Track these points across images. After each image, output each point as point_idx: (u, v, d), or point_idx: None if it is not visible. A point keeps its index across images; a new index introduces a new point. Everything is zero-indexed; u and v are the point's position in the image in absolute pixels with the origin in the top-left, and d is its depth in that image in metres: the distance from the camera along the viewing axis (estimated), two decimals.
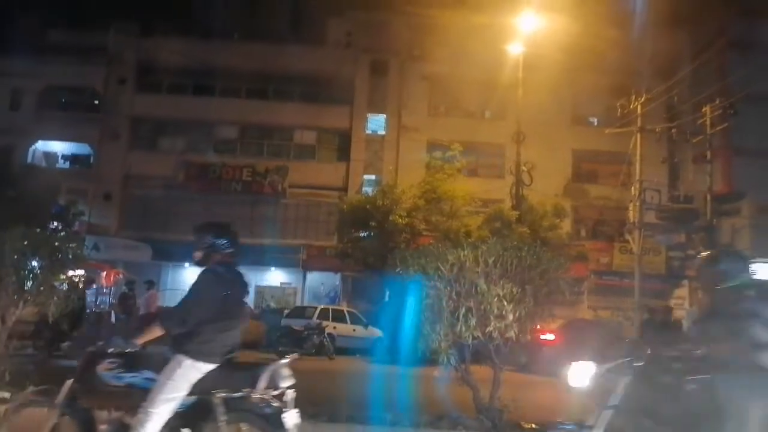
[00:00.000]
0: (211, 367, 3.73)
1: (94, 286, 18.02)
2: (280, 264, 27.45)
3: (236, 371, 3.88)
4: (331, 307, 19.26)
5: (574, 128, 28.16)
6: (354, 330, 16.87)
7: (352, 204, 19.76)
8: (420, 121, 27.85)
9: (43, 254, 6.93)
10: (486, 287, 6.87)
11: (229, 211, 27.53)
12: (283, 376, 3.81)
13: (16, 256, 6.65)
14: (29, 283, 6.76)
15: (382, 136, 28.57)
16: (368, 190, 28.37)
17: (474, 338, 6.83)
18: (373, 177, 28.72)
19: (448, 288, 6.92)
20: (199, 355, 3.71)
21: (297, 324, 16.07)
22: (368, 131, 28.73)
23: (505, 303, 6.97)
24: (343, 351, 15.98)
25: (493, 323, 6.34)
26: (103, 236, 24.76)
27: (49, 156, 27.31)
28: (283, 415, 3.63)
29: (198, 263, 4.11)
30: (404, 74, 28.54)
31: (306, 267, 27.09)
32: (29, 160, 26.13)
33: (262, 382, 3.71)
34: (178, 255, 26.57)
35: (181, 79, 28.52)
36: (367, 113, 28.68)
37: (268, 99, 28.64)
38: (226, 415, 3.66)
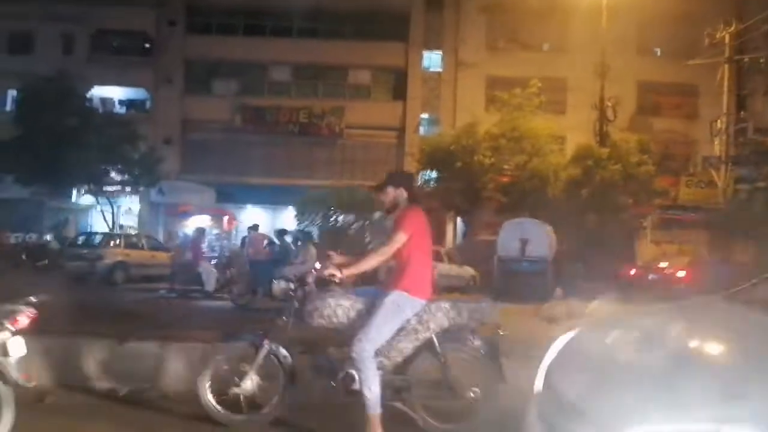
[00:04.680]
0: None
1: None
2: None
3: None
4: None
5: (639, 59, 27.00)
6: (450, 269, 16.92)
7: (433, 144, 19.31)
8: (478, 56, 26.96)
9: None
10: None
11: (287, 153, 27.56)
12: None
13: None
14: None
15: (439, 74, 27.84)
16: (426, 129, 27.95)
17: None
18: (426, 116, 28.24)
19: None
20: None
21: None
22: (424, 68, 27.97)
23: None
24: (438, 291, 15.95)
25: None
26: (166, 180, 24.80)
27: (106, 101, 27.16)
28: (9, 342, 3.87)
29: None
30: (461, 6, 27.47)
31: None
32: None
33: None
34: (239, 197, 26.80)
35: (231, 19, 27.90)
36: (423, 50, 27.86)
37: (319, 38, 27.87)
38: None
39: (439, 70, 27.87)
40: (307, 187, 26.38)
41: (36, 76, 20.92)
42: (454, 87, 27.30)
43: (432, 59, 28.01)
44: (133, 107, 27.75)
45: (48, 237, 20.77)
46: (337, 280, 4.02)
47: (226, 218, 22.74)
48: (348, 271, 4.07)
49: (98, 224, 23.78)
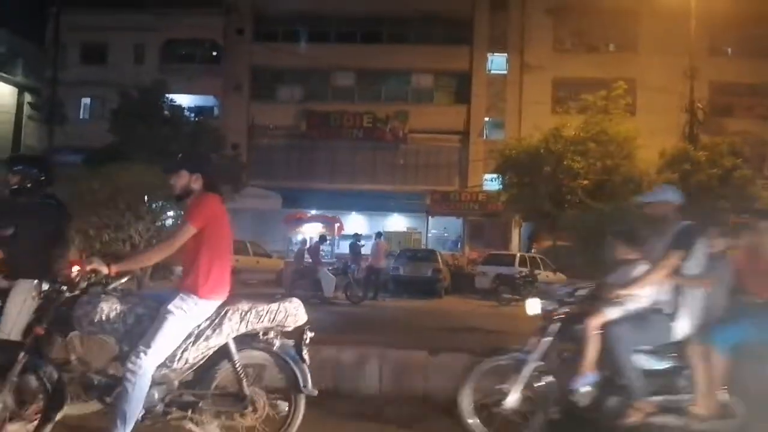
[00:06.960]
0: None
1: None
2: (403, 209, 27.45)
3: None
4: (527, 254, 19.19)
5: (711, 59, 26.26)
6: (547, 276, 16.91)
7: (519, 148, 19.09)
8: (544, 58, 26.62)
9: None
10: None
11: (351, 158, 27.72)
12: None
13: None
14: None
15: (504, 76, 27.58)
16: (489, 132, 27.74)
17: None
18: (489, 119, 27.99)
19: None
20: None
21: (504, 271, 16.42)
22: (488, 71, 27.78)
23: None
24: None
25: None
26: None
27: (175, 109, 27.70)
28: None
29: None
30: (526, 8, 27.19)
31: (430, 212, 26.95)
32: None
33: None
34: (304, 202, 27.04)
35: (296, 27, 28.36)
36: (488, 52, 27.66)
37: (383, 43, 28.03)
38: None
39: (504, 72, 27.61)
40: (370, 191, 26.59)
41: (128, 86, 21.57)
42: (520, 89, 27.03)
43: (496, 62, 27.77)
44: (201, 114, 28.27)
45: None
46: (103, 277, 3.41)
47: (337, 225, 23.03)
48: (118, 267, 3.42)
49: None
